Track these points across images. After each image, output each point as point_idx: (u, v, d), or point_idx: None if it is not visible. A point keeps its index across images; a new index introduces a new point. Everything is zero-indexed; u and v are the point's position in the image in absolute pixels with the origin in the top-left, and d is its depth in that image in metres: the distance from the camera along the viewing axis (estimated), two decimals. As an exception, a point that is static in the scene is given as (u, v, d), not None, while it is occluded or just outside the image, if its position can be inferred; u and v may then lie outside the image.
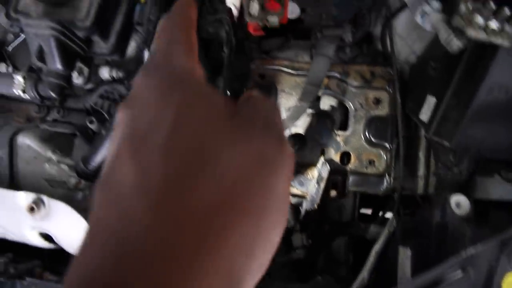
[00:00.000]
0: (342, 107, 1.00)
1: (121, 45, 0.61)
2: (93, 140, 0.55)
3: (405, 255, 0.68)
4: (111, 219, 0.17)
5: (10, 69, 0.66)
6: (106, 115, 0.56)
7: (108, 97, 0.58)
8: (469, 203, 0.58)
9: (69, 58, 0.52)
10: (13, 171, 0.66)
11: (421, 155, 0.95)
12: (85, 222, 0.55)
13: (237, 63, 0.95)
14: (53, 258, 0.76)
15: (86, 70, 0.66)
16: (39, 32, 0.48)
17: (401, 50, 0.93)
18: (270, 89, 0.99)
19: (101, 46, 0.57)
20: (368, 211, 1.23)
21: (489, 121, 0.62)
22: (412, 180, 0.95)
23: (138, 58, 0.73)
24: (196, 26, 0.28)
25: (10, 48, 0.67)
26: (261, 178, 0.18)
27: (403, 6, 0.71)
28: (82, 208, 0.62)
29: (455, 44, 0.44)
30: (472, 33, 0.42)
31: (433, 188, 0.89)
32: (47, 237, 0.61)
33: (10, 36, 0.74)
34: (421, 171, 0.94)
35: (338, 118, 1.00)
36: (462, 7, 0.42)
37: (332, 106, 1.04)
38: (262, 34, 0.74)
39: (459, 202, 0.59)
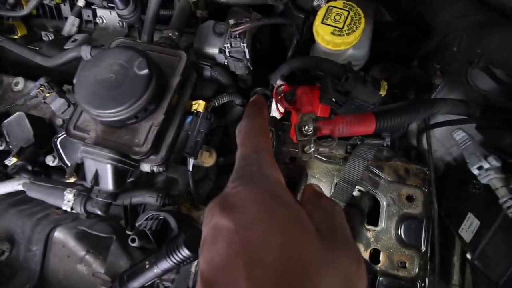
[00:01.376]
0: (370, 196, 0.98)
1: (169, 155, 0.61)
2: (135, 267, 0.54)
3: None
4: None
5: (57, 161, 0.66)
6: (149, 234, 0.56)
7: (153, 216, 0.58)
8: None
9: (122, 178, 0.52)
10: (44, 267, 0.64)
11: (456, 262, 0.91)
12: None
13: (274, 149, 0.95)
14: None
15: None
16: (97, 159, 0.48)
17: (437, 149, 0.92)
18: (300, 173, 0.99)
19: (152, 160, 0.57)
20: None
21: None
22: (444, 286, 0.91)
23: (177, 154, 0.73)
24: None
25: (59, 140, 0.68)
26: None
27: (446, 122, 0.71)
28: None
29: None
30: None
31: (468, 300, 0.84)
32: None
33: (60, 121, 0.75)
34: (456, 279, 0.90)
35: (367, 207, 0.98)
36: None
37: (360, 191, 1.02)
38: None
39: None
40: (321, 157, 0.98)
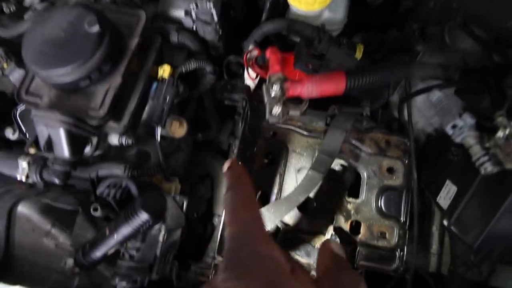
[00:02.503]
0: (352, 170, 0.96)
1: (134, 123, 0.58)
2: (96, 235, 0.52)
3: None
4: None
5: (17, 134, 0.63)
6: (112, 202, 0.53)
7: (115, 184, 0.55)
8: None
9: (78, 145, 0.49)
10: (9, 242, 0.62)
11: (435, 231, 0.91)
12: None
13: (252, 124, 0.93)
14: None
15: (95, 140, 0.64)
16: (49, 123, 0.45)
17: (418, 120, 0.90)
18: (281, 148, 0.97)
19: (113, 127, 0.54)
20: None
21: (515, 230, 0.58)
22: (424, 256, 0.91)
23: (147, 123, 0.71)
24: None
25: (18, 111, 0.64)
26: None
27: (427, 89, 0.69)
28: (77, 292, 0.58)
29: (488, 168, 0.41)
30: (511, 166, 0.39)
31: (446, 268, 0.85)
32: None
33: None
34: (434, 247, 0.90)
35: (349, 181, 0.97)
36: (500, 134, 0.40)
37: (342, 166, 1.01)
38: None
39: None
40: (302, 131, 0.96)
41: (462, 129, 0.44)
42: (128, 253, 0.52)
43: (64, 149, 0.47)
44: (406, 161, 0.88)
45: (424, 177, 0.86)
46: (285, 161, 0.98)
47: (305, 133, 0.97)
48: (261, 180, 0.98)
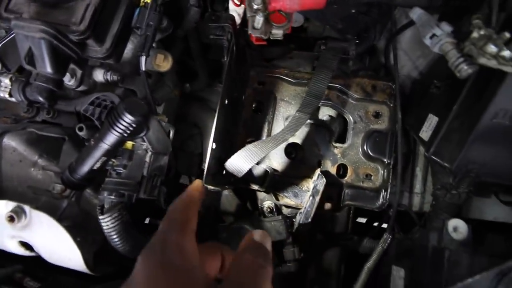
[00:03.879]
0: (341, 119, 0.98)
1: (117, 50, 0.58)
2: (82, 149, 0.52)
3: (398, 275, 0.66)
4: None
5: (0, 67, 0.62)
6: (96, 122, 0.53)
7: (100, 104, 0.55)
8: (468, 228, 0.57)
9: (60, 61, 0.49)
10: (-5, 174, 0.62)
11: (419, 172, 0.94)
12: (67, 233, 0.52)
13: (237, 69, 0.93)
14: (35, 263, 0.72)
15: (79, 72, 0.63)
16: (29, 34, 0.45)
17: (404, 64, 0.92)
18: (269, 97, 0.97)
19: (96, 50, 0.54)
20: (363, 220, 1.22)
21: (491, 146, 0.60)
22: (408, 197, 0.94)
23: (133, 61, 0.70)
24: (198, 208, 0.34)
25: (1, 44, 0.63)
26: None
27: (410, 23, 0.70)
28: (65, 216, 0.59)
29: (464, 70, 0.43)
30: (484, 61, 0.40)
31: (429, 206, 0.88)
32: (27, 245, 0.58)
33: (2, 32, 0.70)
34: (418, 188, 0.93)
35: (337, 130, 0.98)
36: (475, 34, 0.41)
37: (330, 117, 1.02)
38: (264, 44, 0.72)
39: (457, 227, 0.58)
40: (289, 79, 0.97)
41: (440, 37, 0.45)
42: (115, 171, 0.52)
43: (46, 63, 0.47)
44: (392, 105, 0.89)
45: (408, 119, 0.88)
46: (273, 109, 0.99)
47: (292, 80, 0.98)
48: (250, 128, 0.99)
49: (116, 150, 0.51)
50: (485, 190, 0.75)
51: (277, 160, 0.94)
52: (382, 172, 0.89)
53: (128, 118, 0.47)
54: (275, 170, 0.92)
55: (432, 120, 0.73)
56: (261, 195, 0.93)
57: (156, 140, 0.57)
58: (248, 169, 0.71)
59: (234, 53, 0.72)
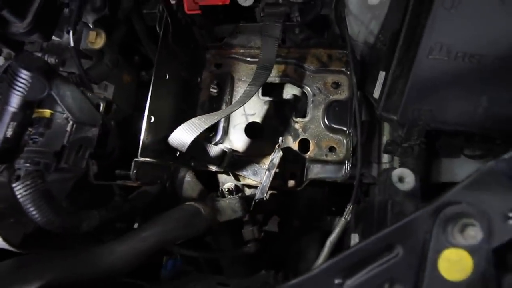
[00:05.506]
0: (304, 96, 0.95)
1: (43, 26, 0.57)
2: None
3: (354, 241, 0.61)
4: None
5: None
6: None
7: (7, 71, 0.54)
8: (414, 177, 0.52)
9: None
10: None
11: (384, 141, 0.88)
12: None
13: (189, 51, 0.92)
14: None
15: (6, 50, 0.63)
16: None
17: (359, 31, 0.88)
18: (226, 78, 0.95)
19: (17, 26, 0.54)
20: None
21: (434, 87, 0.56)
22: (377, 168, 0.89)
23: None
24: None
25: None
26: None
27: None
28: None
29: None
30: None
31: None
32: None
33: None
34: (386, 157, 0.88)
35: (301, 107, 0.95)
36: None
37: (294, 95, 0.99)
38: (198, 13, 0.71)
39: (403, 177, 0.52)
40: (246, 58, 0.95)
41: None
42: (32, 139, 0.51)
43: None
44: (349, 73, 0.86)
45: (368, 87, 0.84)
46: (231, 90, 0.96)
47: (249, 59, 0.96)
48: (208, 110, 0.97)
49: (26, 114, 0.49)
50: (449, 147, 0.70)
51: (237, 140, 0.90)
52: (345, 143, 0.84)
53: (23, 73, 0.45)
54: (234, 150, 0.89)
55: (381, 77, 0.69)
56: (223, 177, 0.90)
57: (79, 109, 0.55)
58: (190, 142, 0.68)
59: (170, 26, 0.70)
